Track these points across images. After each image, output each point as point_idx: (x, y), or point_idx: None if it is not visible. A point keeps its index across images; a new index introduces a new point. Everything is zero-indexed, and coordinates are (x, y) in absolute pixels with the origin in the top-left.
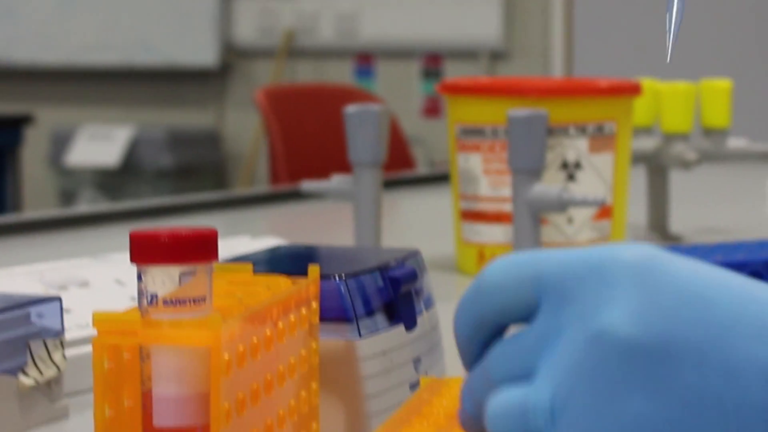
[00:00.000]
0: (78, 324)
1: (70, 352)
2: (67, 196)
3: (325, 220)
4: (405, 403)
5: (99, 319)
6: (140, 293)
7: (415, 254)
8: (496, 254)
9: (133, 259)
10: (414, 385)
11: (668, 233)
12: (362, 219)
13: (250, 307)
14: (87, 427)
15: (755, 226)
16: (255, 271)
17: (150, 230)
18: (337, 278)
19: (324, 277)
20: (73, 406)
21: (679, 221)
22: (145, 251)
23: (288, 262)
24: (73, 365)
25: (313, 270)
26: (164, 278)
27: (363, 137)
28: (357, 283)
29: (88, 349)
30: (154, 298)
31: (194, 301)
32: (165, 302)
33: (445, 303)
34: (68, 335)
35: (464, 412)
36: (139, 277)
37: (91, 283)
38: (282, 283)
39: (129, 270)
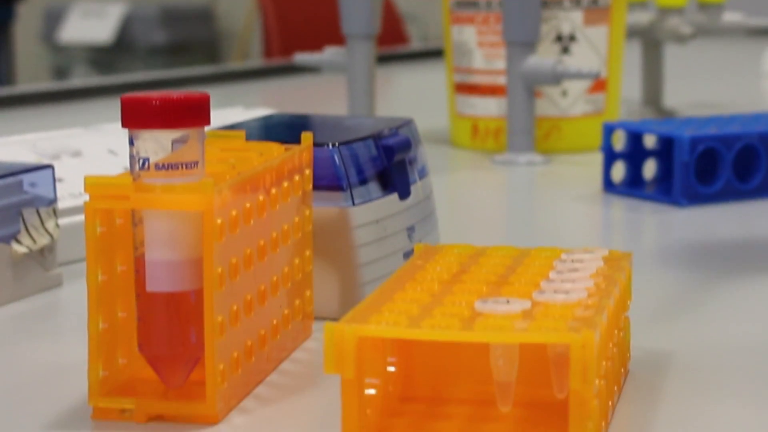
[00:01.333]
0: (71, 193)
1: (63, 221)
2: (60, 73)
3: (319, 94)
4: (398, 270)
5: (91, 184)
6: (132, 158)
7: (408, 123)
8: (490, 127)
9: (124, 123)
10: (408, 254)
11: (662, 107)
12: (356, 91)
13: (243, 173)
14: (81, 295)
15: (749, 101)
16: (248, 139)
17: (141, 94)
18: (330, 146)
19: (317, 144)
20: (67, 275)
21: (673, 95)
22: (136, 115)
23: (281, 130)
24: (67, 234)
25: (306, 137)
26: (156, 143)
27: (356, 9)
28: (350, 151)
29: (81, 218)
30: (145, 163)
31: (186, 165)
32: (157, 167)
33: (439, 175)
34: (61, 204)
35: None
36: (131, 142)
37: (84, 152)
38: (275, 150)
39: (122, 140)
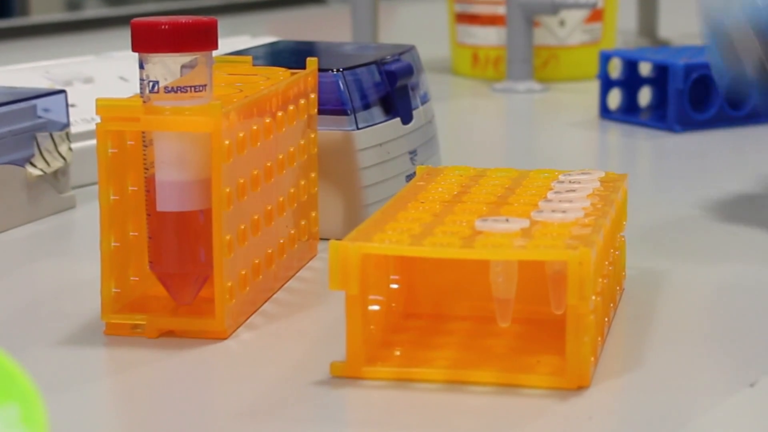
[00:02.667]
0: (83, 118)
1: (76, 145)
2: (73, 4)
3: (324, 24)
4: (401, 190)
5: (102, 106)
6: (142, 82)
7: (410, 50)
8: (490, 56)
9: (134, 47)
10: (410, 177)
11: (657, 37)
12: (359, 21)
13: (250, 96)
14: (93, 217)
15: None
16: (254, 64)
17: (151, 19)
18: (334, 71)
19: (322, 69)
20: (80, 198)
21: (668, 26)
22: (146, 39)
23: (287, 56)
24: (79, 158)
25: (311, 62)
26: (165, 67)
27: None
28: (354, 76)
29: (93, 142)
30: (155, 86)
31: (195, 89)
32: (166, 90)
33: (440, 103)
34: (74, 129)
35: None
36: (141, 66)
37: (96, 79)
38: (281, 74)
39: (132, 67)
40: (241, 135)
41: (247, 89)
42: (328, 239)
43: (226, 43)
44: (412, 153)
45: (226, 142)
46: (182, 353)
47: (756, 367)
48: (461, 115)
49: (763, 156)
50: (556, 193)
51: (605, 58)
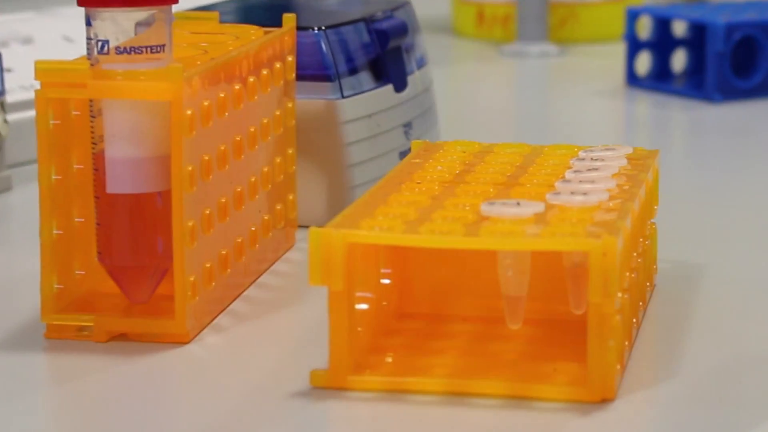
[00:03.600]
0: (21, 85)
1: (12, 116)
2: None
3: None
4: (394, 169)
5: (42, 69)
6: (89, 41)
7: (405, 5)
8: (498, 13)
9: (80, 1)
10: (404, 153)
11: None
12: None
13: (217, 58)
14: (32, 200)
15: None
16: (222, 21)
17: None
18: (316, 29)
19: (301, 28)
20: (17, 178)
21: None
22: None
23: (261, 12)
24: (17, 132)
25: (289, 19)
26: (116, 24)
27: None
28: (339, 35)
29: (32, 113)
30: (105, 46)
31: (151, 49)
32: (118, 50)
33: (440, 67)
34: (10, 97)
35: None
36: (88, 23)
37: (36, 39)
38: (253, 33)
39: (79, 25)
40: (205, 104)
41: (213, 50)
42: (308, 226)
43: None
44: (407, 126)
45: (188, 112)
46: (136, 360)
47: None
48: (464, 82)
49: None
50: (575, 172)
51: (633, 16)
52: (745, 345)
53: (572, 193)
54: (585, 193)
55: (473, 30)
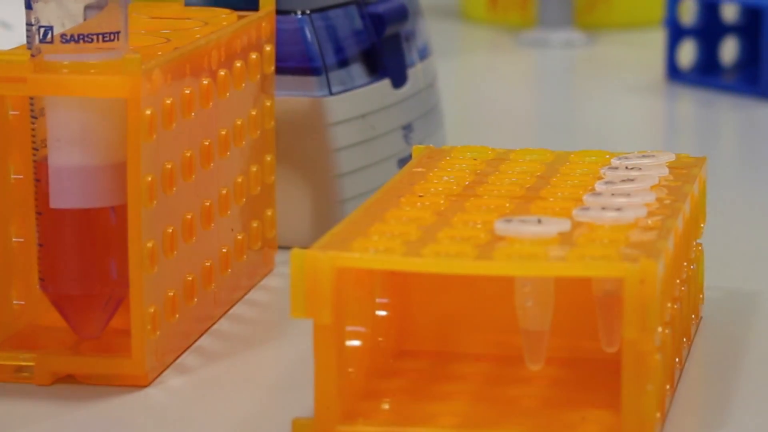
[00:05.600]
0: None
1: None
2: None
3: None
4: (391, 180)
5: None
6: (30, 27)
7: None
8: None
9: None
10: (404, 161)
11: None
12: None
13: (181, 48)
14: None
15: None
16: (187, 4)
17: None
18: (299, 14)
19: (282, 12)
20: None
21: None
22: None
23: None
24: None
25: (267, 2)
26: (62, 8)
27: None
28: (326, 20)
29: None
30: (48, 33)
31: (104, 37)
32: (64, 39)
33: (446, 58)
34: None
35: None
36: (28, 5)
37: None
38: (225, 18)
39: (18, 8)
40: (168, 102)
41: (177, 39)
42: (289, 248)
43: None
44: (407, 128)
45: (148, 112)
46: (86, 406)
47: None
48: (475, 76)
49: None
50: (607, 183)
51: None
52: None
53: (603, 208)
54: (619, 209)
55: (485, 14)
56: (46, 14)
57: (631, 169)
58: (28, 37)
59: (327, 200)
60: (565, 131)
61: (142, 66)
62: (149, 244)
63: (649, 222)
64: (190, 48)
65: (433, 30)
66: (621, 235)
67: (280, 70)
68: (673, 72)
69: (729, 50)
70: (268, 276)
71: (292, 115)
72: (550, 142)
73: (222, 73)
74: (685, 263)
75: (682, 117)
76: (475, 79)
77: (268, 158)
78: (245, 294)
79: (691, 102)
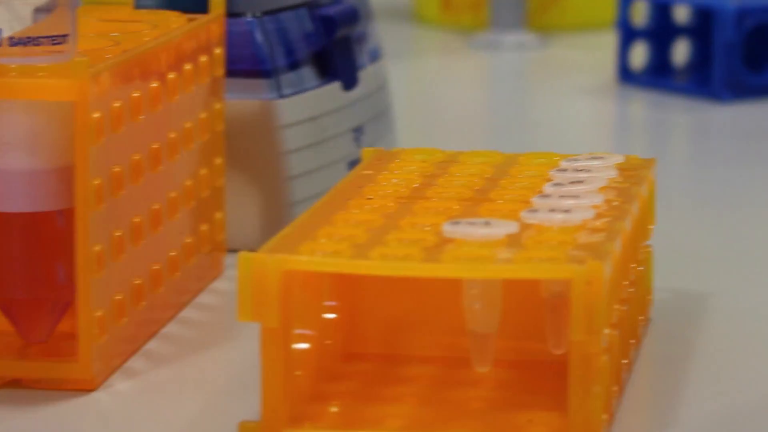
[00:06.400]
0: None
1: None
2: None
3: None
4: (341, 182)
5: None
6: None
7: None
8: None
9: None
10: (354, 163)
11: None
12: None
13: (130, 51)
14: None
15: None
16: (138, 6)
17: None
18: (249, 16)
19: (232, 14)
20: None
21: None
22: None
23: None
24: None
25: (217, 4)
26: (10, 7)
27: None
28: (276, 23)
29: None
30: None
31: (52, 40)
32: (12, 42)
33: (398, 61)
34: None
35: None
36: None
37: None
38: (174, 21)
39: None
40: (116, 105)
41: (126, 41)
42: (239, 251)
43: None
44: (357, 130)
45: (96, 115)
46: (33, 411)
47: None
48: (426, 78)
49: None
50: (556, 185)
51: (626, 1)
52: (753, 390)
53: (552, 210)
54: (567, 211)
55: (438, 16)
56: None
57: (580, 171)
58: None
59: (277, 203)
60: (517, 133)
61: (90, 69)
62: (97, 248)
63: (597, 224)
64: (138, 51)
65: (386, 32)
66: (569, 237)
67: (230, 73)
68: (625, 74)
69: (680, 52)
70: (217, 279)
71: (242, 117)
72: (502, 144)
73: (171, 76)
74: (633, 265)
75: (634, 118)
76: (427, 81)
77: (218, 161)
78: (194, 297)
79: (642, 103)
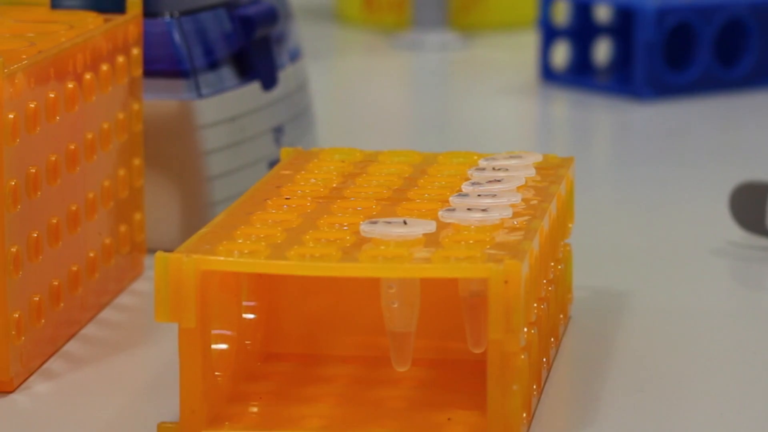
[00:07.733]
0: None
1: None
2: None
3: None
4: (259, 181)
5: None
6: None
7: None
8: None
9: None
10: (274, 163)
11: None
12: None
13: (45, 51)
14: None
15: None
16: (53, 7)
17: None
18: (167, 16)
19: (149, 14)
20: None
21: None
22: None
23: None
24: None
25: (134, 4)
26: None
27: None
28: (195, 23)
29: None
30: None
31: None
32: None
33: (319, 60)
34: None
35: None
36: None
37: None
38: (91, 21)
39: None
40: (32, 106)
41: (41, 42)
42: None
43: None
44: (277, 130)
45: (11, 116)
46: None
47: (743, 423)
48: (348, 78)
49: (764, 133)
50: (474, 184)
51: (548, 0)
52: (671, 387)
53: (469, 209)
54: (485, 210)
55: (360, 15)
56: None
57: (498, 170)
58: None
59: (196, 203)
60: (438, 133)
61: (5, 69)
62: (13, 249)
63: (515, 223)
64: (54, 51)
65: (308, 31)
66: (486, 236)
67: (148, 73)
68: (547, 73)
69: (602, 51)
70: (136, 280)
71: (160, 118)
72: (424, 144)
73: (88, 76)
74: (552, 263)
75: (556, 118)
76: (349, 81)
77: (137, 162)
78: (113, 298)
79: (564, 103)
